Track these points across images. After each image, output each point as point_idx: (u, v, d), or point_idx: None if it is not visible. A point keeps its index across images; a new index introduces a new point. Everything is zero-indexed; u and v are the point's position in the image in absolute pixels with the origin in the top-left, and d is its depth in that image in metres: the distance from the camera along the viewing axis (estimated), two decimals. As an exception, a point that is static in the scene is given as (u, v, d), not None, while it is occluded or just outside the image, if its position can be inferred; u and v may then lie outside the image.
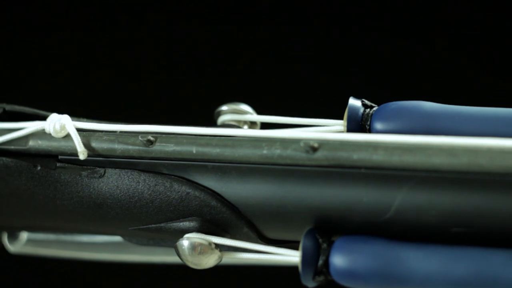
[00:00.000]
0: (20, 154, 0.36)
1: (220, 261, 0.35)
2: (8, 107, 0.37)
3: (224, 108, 0.37)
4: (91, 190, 0.35)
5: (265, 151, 0.33)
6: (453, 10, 0.78)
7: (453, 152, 0.31)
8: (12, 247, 0.42)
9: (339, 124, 0.35)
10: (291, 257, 0.33)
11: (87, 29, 0.81)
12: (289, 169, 0.33)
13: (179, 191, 0.34)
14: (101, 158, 0.35)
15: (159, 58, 0.81)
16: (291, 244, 0.34)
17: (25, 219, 0.37)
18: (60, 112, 0.37)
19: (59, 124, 0.35)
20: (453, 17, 0.78)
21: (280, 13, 0.81)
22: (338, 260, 0.32)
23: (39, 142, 0.36)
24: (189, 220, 0.34)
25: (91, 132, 0.35)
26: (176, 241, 0.34)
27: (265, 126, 0.37)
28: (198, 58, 0.81)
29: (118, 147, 0.35)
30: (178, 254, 0.34)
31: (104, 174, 0.35)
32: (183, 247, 0.34)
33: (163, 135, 0.34)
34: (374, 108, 0.35)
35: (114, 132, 0.35)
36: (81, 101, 0.79)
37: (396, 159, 0.31)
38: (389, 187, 0.32)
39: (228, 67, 0.81)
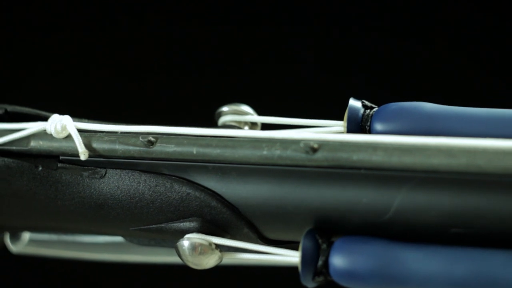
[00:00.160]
0: (22, 155, 0.36)
1: (221, 261, 0.35)
2: (10, 107, 0.37)
3: (224, 109, 0.37)
4: (92, 190, 0.35)
5: (265, 152, 0.33)
6: (453, 10, 0.78)
7: (451, 153, 0.31)
8: (14, 247, 0.42)
9: (339, 125, 0.35)
10: (291, 257, 0.33)
11: (87, 29, 0.81)
12: (289, 170, 0.33)
13: (179, 192, 0.34)
14: (102, 159, 0.35)
15: (159, 58, 0.81)
16: (291, 245, 0.34)
17: (27, 219, 0.37)
18: (61, 112, 0.37)
19: (60, 125, 0.35)
20: (453, 17, 0.78)
21: (280, 13, 0.81)
22: (337, 260, 0.32)
23: (41, 142, 0.36)
24: (189, 221, 0.34)
25: (92, 133, 0.35)
26: (177, 242, 0.34)
27: (265, 126, 0.37)
28: (198, 58, 0.81)
29: (119, 147, 0.35)
30: (179, 255, 0.34)
31: (105, 174, 0.35)
32: (184, 248, 0.34)
33: (164, 136, 0.35)
34: (374, 109, 0.35)
35: (115, 132, 0.35)
36: (81, 101, 0.79)
37: (395, 160, 0.32)
38: (388, 187, 0.32)
39: (228, 67, 0.81)
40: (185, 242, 0.34)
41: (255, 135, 0.34)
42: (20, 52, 0.81)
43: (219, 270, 0.38)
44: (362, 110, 0.35)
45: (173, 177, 0.34)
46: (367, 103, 0.35)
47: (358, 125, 0.35)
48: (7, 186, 0.36)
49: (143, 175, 0.35)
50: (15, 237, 0.42)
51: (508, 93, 0.78)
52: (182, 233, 0.34)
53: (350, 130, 0.35)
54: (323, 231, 0.33)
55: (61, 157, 0.36)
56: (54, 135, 0.36)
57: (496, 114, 0.33)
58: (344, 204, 0.32)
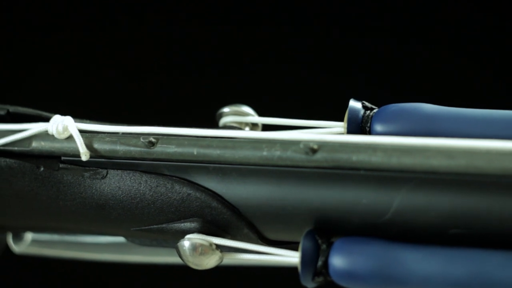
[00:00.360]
0: (23, 155, 0.36)
1: (221, 261, 0.35)
2: (12, 108, 0.38)
3: (225, 110, 0.37)
4: (93, 191, 0.35)
5: (265, 153, 0.33)
6: (453, 10, 0.78)
7: (451, 154, 0.31)
8: (17, 248, 0.42)
9: (340, 126, 0.35)
10: (291, 258, 0.33)
11: (87, 29, 0.81)
12: (289, 171, 0.33)
13: (180, 192, 0.34)
14: (103, 160, 0.35)
15: (159, 58, 0.81)
16: (291, 245, 0.34)
17: (28, 219, 0.37)
18: (61, 112, 0.37)
19: (62, 126, 0.36)
20: (453, 17, 0.78)
21: (280, 13, 0.81)
22: (337, 261, 0.32)
23: (42, 143, 0.36)
24: (190, 221, 0.34)
25: (94, 134, 0.35)
26: (177, 242, 0.34)
27: (266, 127, 0.37)
28: (198, 58, 0.81)
29: (120, 148, 0.35)
30: (179, 255, 0.34)
31: (106, 175, 0.35)
32: (184, 248, 0.34)
33: (165, 137, 0.35)
34: (374, 110, 0.35)
35: (116, 133, 0.35)
36: (81, 101, 0.79)
37: (394, 161, 0.32)
38: (388, 188, 0.32)
39: (228, 67, 0.81)
40: (186, 243, 0.34)
41: (256, 136, 0.34)
42: (20, 52, 0.81)
43: (220, 270, 0.38)
44: (362, 111, 0.35)
45: (174, 178, 0.34)
46: (367, 104, 0.35)
47: (358, 126, 0.35)
48: (8, 187, 0.36)
49: (144, 175, 0.35)
50: (17, 237, 0.42)
51: (508, 93, 0.78)
52: (182, 233, 0.34)
53: (350, 131, 0.35)
54: (323, 231, 0.33)
55: (62, 158, 0.36)
56: (55, 135, 0.36)
57: (496, 115, 0.33)
58: (344, 205, 0.32)
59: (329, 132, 0.35)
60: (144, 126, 0.35)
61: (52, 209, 0.36)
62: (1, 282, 0.81)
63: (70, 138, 0.36)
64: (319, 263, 0.32)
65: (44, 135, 0.36)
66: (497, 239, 0.31)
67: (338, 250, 0.32)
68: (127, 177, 0.35)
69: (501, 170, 0.30)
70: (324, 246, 0.32)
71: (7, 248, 0.42)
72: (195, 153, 0.34)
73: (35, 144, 0.36)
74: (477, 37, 0.78)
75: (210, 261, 0.34)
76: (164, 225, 0.35)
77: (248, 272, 0.63)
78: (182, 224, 0.35)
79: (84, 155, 0.35)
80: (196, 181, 0.34)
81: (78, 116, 0.37)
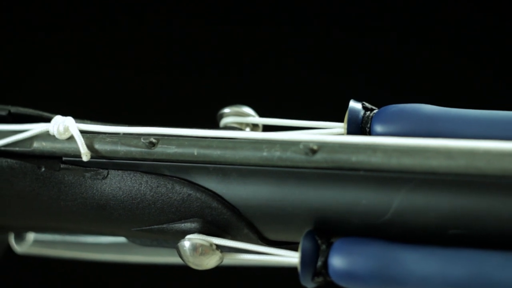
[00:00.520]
0: (25, 156, 0.36)
1: (221, 262, 0.35)
2: (13, 109, 0.38)
3: (226, 110, 0.37)
4: (94, 191, 0.35)
5: (265, 153, 0.33)
6: (453, 10, 0.78)
7: (450, 155, 0.31)
8: (19, 248, 0.42)
9: (340, 127, 0.35)
10: (291, 258, 0.34)
11: (87, 29, 0.81)
12: (289, 171, 0.33)
13: (180, 193, 0.34)
14: (104, 160, 0.35)
15: (159, 58, 0.81)
16: (291, 246, 0.34)
17: (30, 219, 0.37)
18: (61, 112, 0.37)
19: (63, 126, 0.36)
20: (453, 17, 0.78)
21: (280, 13, 0.81)
22: (337, 261, 0.32)
23: (43, 143, 0.36)
24: (190, 221, 0.35)
25: (95, 134, 0.35)
26: (178, 242, 0.35)
27: (267, 128, 0.37)
28: (198, 58, 0.81)
29: (121, 149, 0.35)
30: (180, 255, 0.35)
31: (107, 175, 0.35)
32: (185, 248, 0.34)
33: (165, 137, 0.35)
34: (374, 111, 0.35)
35: (117, 134, 0.35)
36: (81, 101, 0.79)
37: (394, 162, 0.32)
38: (387, 189, 0.32)
39: (228, 67, 0.81)
40: (186, 243, 0.34)
41: (256, 136, 0.34)
42: (20, 52, 0.81)
43: (220, 270, 0.39)
44: (362, 112, 0.35)
45: (174, 178, 0.35)
46: (367, 105, 0.35)
47: (358, 126, 0.35)
48: (10, 187, 0.36)
49: (144, 176, 0.35)
50: (19, 237, 0.42)
51: (508, 93, 0.78)
52: (183, 233, 0.35)
53: (350, 131, 0.35)
54: (323, 232, 0.33)
55: (63, 158, 0.36)
56: (56, 136, 0.36)
57: (496, 116, 0.33)
58: (344, 205, 0.32)
59: (329, 132, 0.35)
60: (144, 126, 0.35)
61: (53, 209, 0.36)
62: (2, 282, 0.81)
63: (71, 138, 0.36)
64: (319, 263, 0.32)
65: (45, 136, 0.36)
66: (496, 240, 0.31)
67: (338, 251, 0.32)
68: (128, 178, 0.35)
69: (500, 170, 0.31)
70: (323, 247, 0.32)
71: (8, 248, 0.43)
72: (195, 153, 0.34)
73: (36, 145, 0.36)
74: (477, 37, 0.78)
75: (210, 261, 0.34)
76: (164, 226, 0.35)
77: (248, 272, 0.63)
78: (183, 225, 0.35)
79: (85, 156, 0.35)
80: (197, 182, 0.34)
81: (78, 116, 0.37)
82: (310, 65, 0.80)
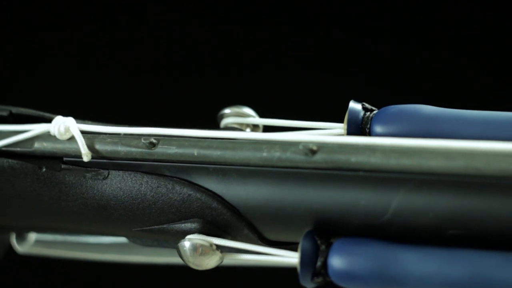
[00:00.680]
0: (26, 156, 0.36)
1: (221, 262, 0.35)
2: (14, 109, 0.38)
3: (227, 111, 0.38)
4: (95, 191, 0.36)
5: (265, 154, 0.33)
6: (453, 10, 0.78)
7: (449, 155, 0.31)
8: (20, 248, 0.42)
9: (340, 127, 0.35)
10: (290, 258, 0.34)
11: (87, 29, 0.81)
12: (289, 172, 0.33)
13: (181, 193, 0.35)
14: (104, 160, 0.35)
15: (159, 58, 0.81)
16: (290, 246, 0.34)
17: (30, 220, 0.37)
18: (61, 112, 0.37)
19: (64, 127, 0.36)
20: (453, 17, 0.78)
21: (280, 13, 0.81)
22: (336, 261, 0.32)
23: (44, 144, 0.36)
24: (190, 222, 0.35)
25: (95, 135, 0.36)
26: (178, 242, 0.35)
27: (267, 129, 0.37)
28: (198, 58, 0.81)
29: (121, 149, 0.35)
30: (180, 255, 0.35)
31: (107, 176, 0.35)
32: (185, 248, 0.34)
33: (165, 138, 0.35)
34: (374, 112, 0.35)
35: (117, 134, 0.35)
36: (81, 101, 0.79)
37: (393, 162, 0.32)
38: (386, 189, 0.32)
39: (228, 67, 0.81)
40: (186, 243, 0.34)
41: (255, 137, 0.34)
42: (20, 52, 0.81)
43: (220, 270, 0.39)
44: (362, 113, 0.35)
45: (175, 179, 0.35)
46: (367, 105, 0.35)
47: (358, 127, 0.35)
48: (11, 187, 0.36)
49: (145, 176, 0.35)
50: (20, 237, 0.42)
51: (508, 93, 0.78)
52: (183, 234, 0.35)
53: (350, 132, 0.35)
54: (322, 232, 0.33)
55: (64, 159, 0.36)
56: (57, 136, 0.36)
57: (495, 116, 0.33)
58: (343, 206, 0.33)
59: (329, 133, 0.36)
60: (145, 127, 0.35)
61: (54, 209, 0.36)
62: (2, 282, 0.81)
63: (72, 139, 0.36)
64: (318, 263, 0.32)
65: (46, 136, 0.36)
66: (495, 240, 0.31)
67: (337, 251, 0.32)
68: (129, 178, 0.35)
69: (500, 171, 0.31)
70: (323, 247, 0.33)
71: (9, 248, 0.43)
72: (195, 154, 0.34)
73: (37, 145, 0.36)
74: (477, 37, 0.78)
75: (210, 262, 0.35)
76: (165, 226, 0.35)
77: (248, 272, 0.63)
78: (183, 225, 0.35)
79: (86, 156, 0.35)
80: (197, 182, 0.34)
81: (78, 116, 0.37)
82: (310, 65, 0.80)
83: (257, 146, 0.34)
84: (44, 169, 0.36)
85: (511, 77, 0.79)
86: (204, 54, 0.81)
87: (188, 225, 0.35)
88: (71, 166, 0.36)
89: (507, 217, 0.31)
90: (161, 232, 0.35)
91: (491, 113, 0.34)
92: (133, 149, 0.35)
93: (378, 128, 0.34)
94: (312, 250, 0.32)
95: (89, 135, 0.36)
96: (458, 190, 0.31)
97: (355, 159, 0.32)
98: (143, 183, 0.35)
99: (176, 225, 0.35)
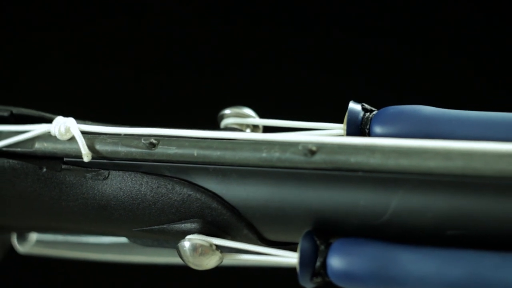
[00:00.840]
0: (26, 156, 0.36)
1: (221, 262, 0.35)
2: (15, 110, 0.38)
3: (227, 111, 0.38)
4: (95, 191, 0.36)
5: (264, 154, 0.33)
6: (453, 10, 0.78)
7: (448, 156, 0.31)
8: (21, 248, 0.42)
9: (339, 128, 0.36)
10: (290, 258, 0.34)
11: (87, 29, 0.81)
12: (288, 172, 0.33)
13: (180, 193, 0.35)
14: (105, 161, 0.35)
15: (159, 58, 0.82)
16: (290, 246, 0.34)
17: (31, 220, 0.38)
18: (61, 112, 0.37)
19: (64, 127, 0.36)
20: (453, 17, 0.78)
21: (280, 13, 0.81)
22: (335, 261, 0.32)
23: (45, 144, 0.36)
24: (190, 222, 0.35)
25: (95, 135, 0.36)
26: (178, 242, 0.35)
27: (267, 129, 0.37)
28: (198, 58, 0.81)
29: (122, 149, 0.35)
30: (180, 255, 0.35)
31: (108, 176, 0.35)
32: (185, 248, 0.34)
33: (165, 138, 0.35)
34: (374, 112, 0.35)
35: (117, 135, 0.36)
36: (81, 101, 0.79)
37: (392, 163, 0.32)
38: (385, 190, 0.32)
39: (228, 67, 0.81)
40: (186, 243, 0.34)
41: (255, 137, 0.34)
42: (20, 52, 0.81)
43: (219, 270, 0.39)
44: (361, 113, 0.35)
45: (175, 179, 0.35)
46: (366, 106, 0.35)
47: (358, 128, 0.35)
48: (11, 187, 0.36)
49: (145, 176, 0.35)
50: (21, 237, 0.42)
51: (508, 93, 0.78)
52: (183, 234, 0.35)
53: (350, 133, 0.35)
54: (321, 232, 0.33)
55: (65, 159, 0.36)
56: (58, 137, 0.36)
57: (494, 117, 0.33)
58: (342, 206, 0.33)
59: (329, 134, 0.36)
60: (145, 127, 0.35)
61: (54, 209, 0.36)
62: (2, 282, 0.82)
63: (72, 139, 0.36)
64: (317, 263, 0.33)
65: (47, 136, 0.36)
66: (494, 241, 0.31)
67: (336, 251, 0.32)
68: (129, 178, 0.35)
69: (498, 172, 0.31)
70: (322, 247, 0.33)
71: (10, 248, 0.43)
72: (195, 154, 0.34)
73: (37, 145, 0.36)
74: (477, 37, 0.78)
75: (210, 262, 0.35)
76: (165, 226, 0.35)
77: (248, 272, 0.64)
78: (183, 225, 0.35)
79: (86, 156, 0.35)
80: (197, 182, 0.34)
81: (78, 116, 0.37)
82: (310, 65, 0.80)
83: (256, 147, 0.34)
84: (44, 169, 0.36)
85: (511, 77, 0.79)
86: (204, 54, 0.81)
87: (188, 225, 0.35)
88: (71, 167, 0.36)
89: (505, 217, 0.31)
90: (161, 232, 0.35)
91: (489, 114, 0.34)
92: (133, 150, 0.35)
93: (377, 129, 0.34)
94: (311, 250, 0.33)
95: (89, 135, 0.36)
96: (457, 191, 0.31)
97: (354, 159, 0.32)
98: (143, 183, 0.35)
99: (176, 225, 0.35)
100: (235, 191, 0.34)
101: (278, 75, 0.80)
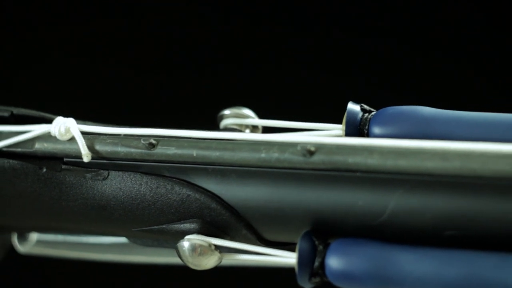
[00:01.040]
0: (26, 157, 0.37)
1: (220, 262, 0.35)
2: (16, 110, 0.38)
3: (226, 112, 0.38)
4: (95, 192, 0.36)
5: (263, 155, 0.34)
6: (453, 10, 0.79)
7: (446, 157, 0.31)
8: (22, 248, 0.42)
9: (338, 128, 0.36)
10: (288, 258, 0.34)
11: (87, 29, 0.81)
12: (287, 172, 0.33)
13: (180, 194, 0.35)
14: (105, 161, 0.36)
15: (159, 58, 0.82)
16: (288, 246, 0.34)
17: (31, 220, 0.38)
18: (61, 112, 0.37)
19: (64, 127, 0.36)
20: (453, 17, 0.78)
21: (280, 13, 0.81)
22: (333, 262, 0.32)
23: (45, 144, 0.36)
24: (189, 222, 0.35)
25: (95, 135, 0.36)
26: (177, 243, 0.35)
27: (267, 130, 0.38)
28: (198, 58, 0.81)
29: (121, 150, 0.35)
30: (179, 255, 0.35)
31: (107, 176, 0.36)
32: (184, 248, 0.35)
33: (165, 139, 0.35)
34: (373, 113, 0.35)
35: (117, 135, 0.36)
36: (81, 101, 0.79)
37: (390, 163, 0.32)
38: (383, 190, 0.32)
39: (228, 67, 0.81)
40: (185, 243, 0.35)
41: (254, 138, 0.34)
42: (20, 52, 0.82)
43: (219, 270, 0.39)
44: (360, 114, 0.35)
45: (174, 179, 0.35)
46: (365, 106, 0.35)
47: (357, 128, 0.35)
48: (12, 187, 0.36)
49: (144, 177, 0.35)
50: (22, 237, 0.42)
51: (508, 93, 0.78)
52: (182, 234, 0.35)
53: (348, 133, 0.35)
54: (320, 233, 0.33)
55: (65, 159, 0.36)
56: (58, 137, 0.36)
57: (492, 118, 0.34)
58: (340, 207, 0.33)
59: (328, 134, 0.36)
60: (145, 128, 0.36)
61: (54, 209, 0.36)
62: (2, 282, 0.82)
63: (72, 139, 0.36)
64: (316, 264, 0.33)
65: (47, 137, 0.36)
66: (492, 241, 0.31)
67: (335, 251, 0.32)
68: (128, 178, 0.35)
69: (495, 172, 0.31)
70: (320, 247, 0.33)
71: (12, 248, 0.43)
72: (194, 154, 0.34)
73: (38, 146, 0.36)
74: (477, 37, 0.78)
75: (209, 262, 0.35)
76: (164, 226, 0.35)
77: (247, 272, 0.64)
78: (182, 225, 0.35)
79: (86, 157, 0.35)
80: (196, 183, 0.35)
81: (78, 116, 0.37)
82: (310, 65, 0.80)
83: (255, 147, 0.34)
84: (44, 170, 0.36)
85: (511, 77, 0.79)
86: (204, 54, 0.81)
87: (187, 226, 0.35)
88: (71, 167, 0.36)
89: (503, 217, 0.31)
90: (161, 232, 0.35)
91: (487, 115, 0.34)
92: (132, 150, 0.35)
93: (376, 129, 0.34)
94: (309, 251, 0.33)
95: (89, 135, 0.36)
96: (455, 191, 0.31)
97: (352, 160, 0.32)
98: (142, 183, 0.35)
99: (175, 226, 0.35)
100: (234, 192, 0.34)
101: (278, 75, 0.80)
